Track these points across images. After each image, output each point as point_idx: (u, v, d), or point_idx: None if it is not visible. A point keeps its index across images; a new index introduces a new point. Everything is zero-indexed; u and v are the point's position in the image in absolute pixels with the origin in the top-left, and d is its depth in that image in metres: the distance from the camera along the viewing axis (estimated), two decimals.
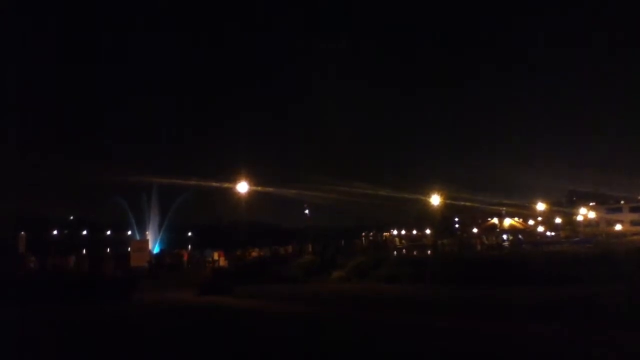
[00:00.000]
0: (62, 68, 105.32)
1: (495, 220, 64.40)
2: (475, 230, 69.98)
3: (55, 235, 71.00)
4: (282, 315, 12.85)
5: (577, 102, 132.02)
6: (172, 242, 43.06)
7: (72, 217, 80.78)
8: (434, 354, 7.75)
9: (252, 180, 32.72)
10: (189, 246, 44.09)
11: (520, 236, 53.50)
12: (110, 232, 71.24)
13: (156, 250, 38.44)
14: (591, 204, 73.00)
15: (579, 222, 68.90)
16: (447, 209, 63.11)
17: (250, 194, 32.84)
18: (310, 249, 39.05)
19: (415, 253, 37.65)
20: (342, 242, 40.28)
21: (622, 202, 72.98)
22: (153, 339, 9.40)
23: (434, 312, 12.12)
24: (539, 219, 72.79)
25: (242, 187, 31.29)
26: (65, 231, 74.33)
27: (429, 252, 37.43)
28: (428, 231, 69.68)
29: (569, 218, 72.19)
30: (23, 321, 11.36)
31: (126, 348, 8.55)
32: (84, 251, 38.70)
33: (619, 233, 59.44)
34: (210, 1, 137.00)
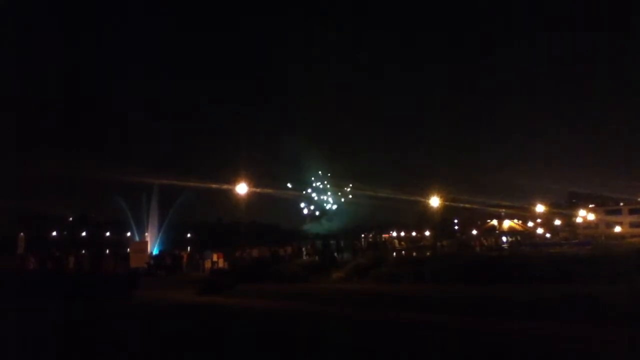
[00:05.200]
0: (63, 67, 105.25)
1: (494, 222, 64.61)
2: (474, 232, 70.20)
3: (55, 235, 71.08)
4: (282, 314, 12.86)
5: (577, 102, 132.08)
6: (171, 242, 42.94)
7: (71, 218, 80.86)
8: (434, 353, 7.78)
9: (252, 181, 32.83)
10: (189, 247, 44.02)
11: (519, 238, 53.61)
12: (110, 233, 71.27)
13: (155, 251, 38.37)
14: (590, 205, 73.05)
15: (578, 224, 68.99)
16: (447, 211, 63.27)
17: (250, 194, 32.92)
18: (310, 249, 39.12)
19: (414, 254, 37.61)
20: (342, 242, 40.30)
21: (622, 204, 72.97)
22: (154, 337, 9.42)
23: (434, 311, 12.14)
24: (538, 220, 72.91)
25: (242, 188, 31.35)
26: (65, 232, 74.41)
27: (428, 253, 37.43)
28: (427, 233, 69.70)
29: (568, 220, 72.31)
30: (23, 321, 11.36)
31: (127, 347, 8.57)
32: (83, 251, 38.60)
33: (618, 235, 59.50)
34: (210, 1, 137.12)
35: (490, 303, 12.85)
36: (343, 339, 8.93)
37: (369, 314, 12.16)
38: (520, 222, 65.31)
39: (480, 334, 9.04)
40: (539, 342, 8.25)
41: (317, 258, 33.31)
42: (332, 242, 39.38)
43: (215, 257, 32.81)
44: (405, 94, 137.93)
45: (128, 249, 35.82)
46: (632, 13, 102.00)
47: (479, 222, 77.00)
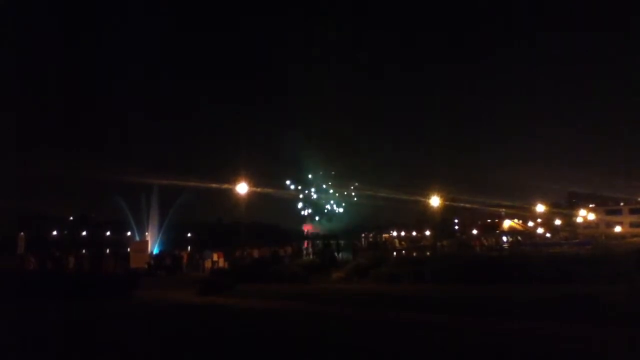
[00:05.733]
0: (63, 67, 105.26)
1: (494, 222, 64.64)
2: (474, 231, 70.15)
3: (55, 235, 71.16)
4: (282, 314, 12.86)
5: (577, 102, 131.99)
6: (171, 242, 43.01)
7: (71, 218, 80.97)
8: (434, 353, 7.78)
9: (252, 181, 32.80)
10: (189, 247, 44.07)
11: (519, 237, 53.60)
12: (110, 233, 71.39)
13: (156, 251, 38.42)
14: (590, 205, 73.04)
15: (579, 223, 68.97)
16: (447, 211, 63.26)
17: (250, 194, 32.89)
18: (310, 249, 39.11)
19: (414, 254, 37.59)
20: (342, 242, 40.27)
21: (622, 203, 72.97)
22: (154, 337, 9.42)
23: (434, 311, 12.15)
24: (539, 220, 72.90)
25: (242, 188, 31.32)
26: (65, 232, 74.49)
27: (428, 253, 37.39)
28: (427, 233, 69.68)
29: (569, 220, 72.30)
30: (23, 321, 11.36)
31: (127, 347, 8.57)
32: (84, 251, 38.65)
33: (618, 235, 59.44)
34: (210, 1, 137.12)
35: (490, 303, 12.85)
36: (343, 339, 8.93)
37: (369, 314, 12.15)
38: (520, 221, 65.33)
39: (480, 334, 9.04)
40: (539, 342, 8.25)
41: (317, 258, 33.28)
42: (332, 242, 39.32)
43: (215, 257, 32.83)
44: (405, 94, 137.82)
45: (128, 249, 35.85)
46: (632, 13, 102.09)
47: (479, 222, 77.00)
